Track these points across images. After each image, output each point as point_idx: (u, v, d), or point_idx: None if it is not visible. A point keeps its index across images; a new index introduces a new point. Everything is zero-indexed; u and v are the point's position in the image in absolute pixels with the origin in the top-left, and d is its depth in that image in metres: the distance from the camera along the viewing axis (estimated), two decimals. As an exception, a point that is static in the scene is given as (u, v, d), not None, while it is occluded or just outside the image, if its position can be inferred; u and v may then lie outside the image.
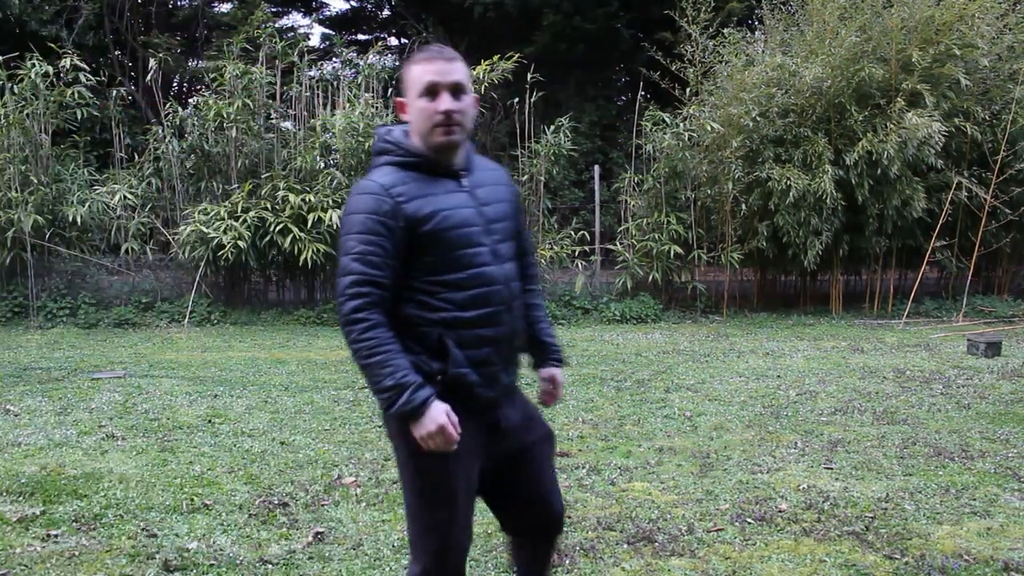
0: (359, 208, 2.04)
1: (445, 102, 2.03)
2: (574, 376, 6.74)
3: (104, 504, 3.79)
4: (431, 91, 2.04)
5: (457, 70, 2.06)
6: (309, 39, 20.15)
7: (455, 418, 2.01)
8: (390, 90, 11.28)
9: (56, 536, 3.44)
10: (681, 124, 10.42)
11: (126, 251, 10.17)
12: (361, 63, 11.35)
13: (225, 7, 19.85)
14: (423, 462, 2.08)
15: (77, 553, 3.27)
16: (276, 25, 17.35)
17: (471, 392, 2.09)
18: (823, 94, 10.07)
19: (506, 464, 2.24)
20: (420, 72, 2.05)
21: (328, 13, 21.95)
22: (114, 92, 11.16)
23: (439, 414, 1.98)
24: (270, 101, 10.91)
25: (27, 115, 9.96)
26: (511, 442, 2.23)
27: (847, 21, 10.03)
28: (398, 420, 2.01)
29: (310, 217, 9.62)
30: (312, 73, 11.46)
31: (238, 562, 3.20)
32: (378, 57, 12.85)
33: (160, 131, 10.59)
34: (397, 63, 15.99)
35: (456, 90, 2.05)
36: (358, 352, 2.00)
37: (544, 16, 16.44)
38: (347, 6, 22.88)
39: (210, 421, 5.31)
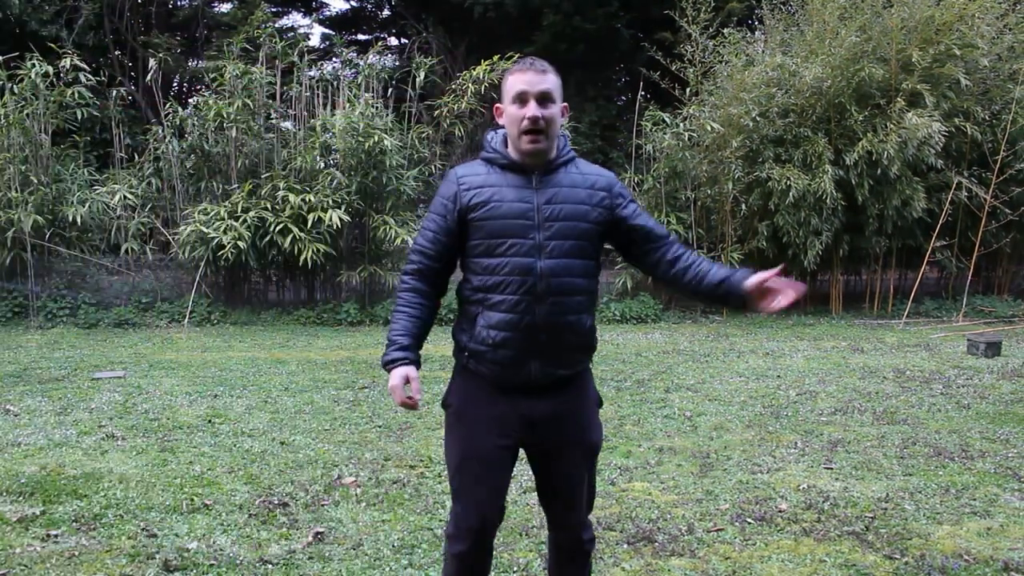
0: (439, 191, 2.36)
1: (531, 109, 2.21)
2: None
3: (104, 504, 3.79)
4: (521, 99, 2.23)
5: (547, 81, 2.24)
6: (309, 39, 20.13)
7: (414, 386, 2.24)
8: (390, 90, 11.28)
9: (56, 536, 3.44)
10: (681, 124, 10.42)
11: (126, 251, 10.17)
12: (361, 63, 11.36)
13: (225, 7, 19.85)
14: (447, 425, 2.40)
15: (77, 553, 3.27)
16: (276, 25, 17.33)
17: (490, 369, 2.28)
18: (823, 94, 10.07)
19: (531, 447, 2.38)
20: (513, 81, 2.25)
21: (328, 13, 21.95)
22: (114, 92, 11.16)
23: (394, 377, 2.25)
24: (270, 101, 10.91)
25: (27, 115, 9.96)
26: (539, 434, 2.33)
27: (847, 21, 10.03)
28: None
29: (310, 217, 9.62)
30: (312, 73, 11.46)
31: (238, 562, 3.20)
32: (378, 57, 12.86)
33: (160, 131, 10.60)
34: (397, 63, 15.99)
35: (543, 99, 2.23)
36: (394, 307, 2.37)
37: (544, 16, 16.44)
38: (347, 6, 22.91)
39: (210, 421, 5.31)
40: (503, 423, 2.30)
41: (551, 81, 2.24)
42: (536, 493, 2.52)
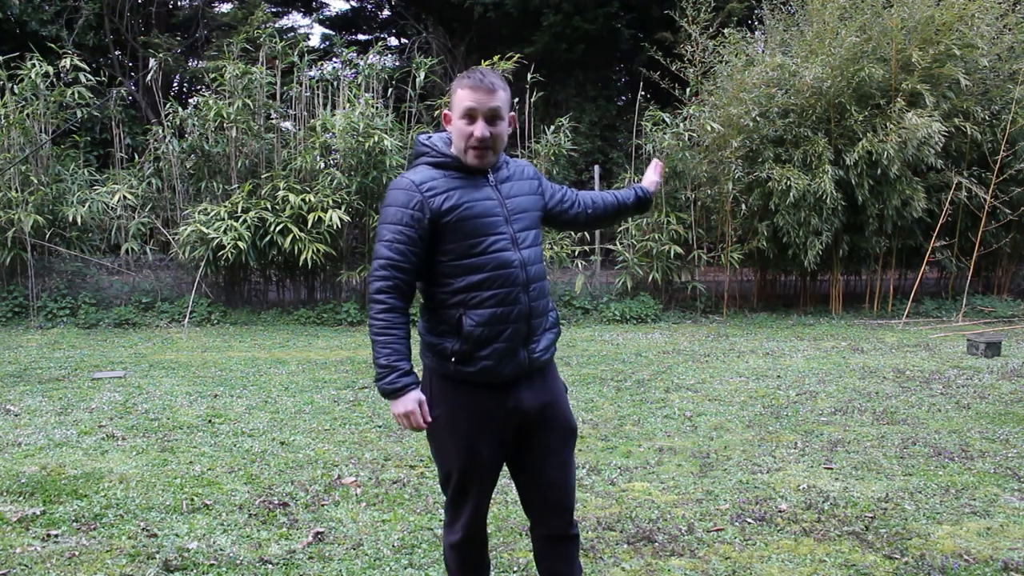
0: (393, 201, 2.30)
1: (479, 128, 2.26)
2: (574, 376, 6.74)
3: (104, 504, 3.79)
4: (469, 116, 2.27)
5: (496, 99, 2.27)
6: (309, 39, 20.16)
7: (425, 409, 2.30)
8: (390, 90, 11.28)
9: (56, 536, 3.44)
10: (681, 124, 10.42)
11: (126, 251, 10.17)
12: (361, 63, 11.36)
13: (225, 7, 19.87)
14: (435, 433, 2.41)
15: (77, 553, 3.27)
16: (276, 25, 17.36)
17: (482, 367, 2.30)
18: (823, 94, 10.07)
19: (518, 441, 2.43)
20: (462, 96, 2.27)
21: (328, 13, 21.97)
22: (114, 92, 11.17)
23: (409, 401, 2.26)
24: (270, 101, 10.91)
25: (27, 115, 9.96)
26: (525, 421, 2.40)
27: (847, 21, 10.03)
28: (381, 395, 2.30)
29: (310, 217, 9.62)
30: (312, 73, 11.46)
31: (238, 562, 3.20)
32: (378, 57, 12.86)
33: (160, 131, 10.60)
34: (397, 63, 16.00)
35: (492, 117, 2.28)
36: (371, 327, 2.30)
37: (544, 16, 16.44)
38: (347, 6, 22.93)
39: (210, 421, 5.31)
40: (496, 423, 2.36)
41: (501, 98, 2.27)
42: (520, 483, 2.54)
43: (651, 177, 2.89)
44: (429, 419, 2.30)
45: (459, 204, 2.27)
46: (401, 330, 2.28)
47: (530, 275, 2.35)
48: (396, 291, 2.27)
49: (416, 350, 2.38)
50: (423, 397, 2.29)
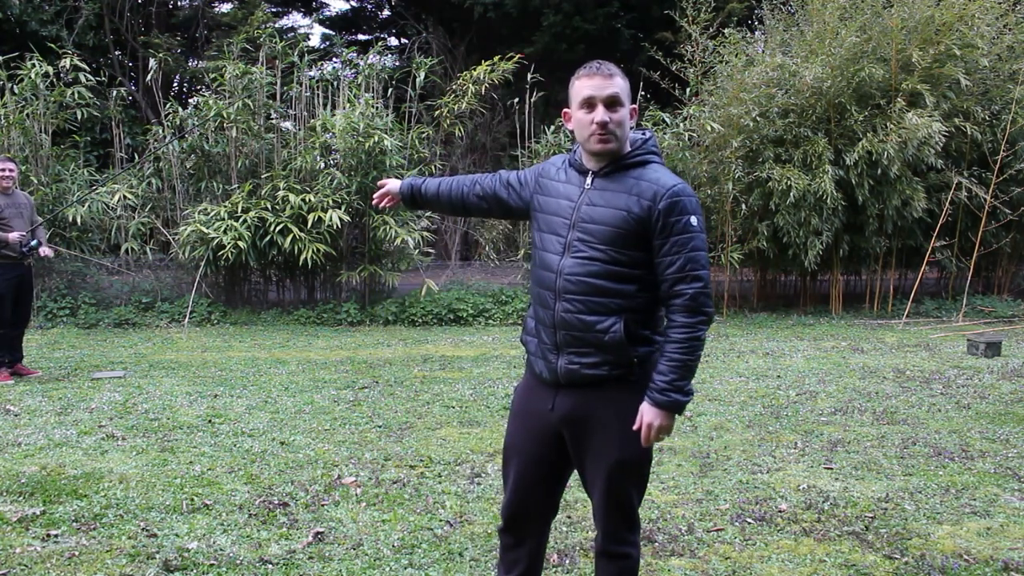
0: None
1: (599, 114, 2.25)
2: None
3: (104, 504, 3.79)
4: (588, 104, 2.27)
5: (614, 84, 2.26)
6: (309, 39, 20.15)
7: (385, 192, 2.72)
8: (390, 90, 11.28)
9: (56, 536, 3.44)
10: (681, 124, 10.43)
11: (126, 251, 10.16)
12: (361, 63, 11.36)
13: (225, 7, 19.85)
14: None
15: (77, 553, 3.27)
16: (276, 25, 17.35)
17: (532, 359, 2.41)
18: (823, 94, 10.07)
19: (565, 447, 2.39)
20: (579, 86, 2.29)
21: (328, 13, 21.96)
22: (114, 92, 11.16)
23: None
24: (270, 101, 10.90)
25: (27, 115, 9.96)
26: (565, 429, 2.35)
27: (847, 21, 10.04)
28: None
29: (310, 217, 9.61)
30: (312, 73, 11.45)
31: (238, 562, 3.20)
32: (378, 57, 12.86)
33: (160, 131, 10.59)
34: (397, 63, 16.00)
35: (611, 103, 2.26)
36: None
37: (544, 16, 16.44)
38: (347, 6, 22.92)
39: (210, 421, 5.31)
40: (540, 418, 2.38)
41: (618, 85, 2.26)
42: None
43: (640, 424, 2.26)
44: (382, 193, 2.72)
45: (544, 194, 2.40)
46: (459, 178, 2.64)
47: (567, 285, 2.26)
48: (494, 178, 2.60)
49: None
50: (393, 190, 2.71)
